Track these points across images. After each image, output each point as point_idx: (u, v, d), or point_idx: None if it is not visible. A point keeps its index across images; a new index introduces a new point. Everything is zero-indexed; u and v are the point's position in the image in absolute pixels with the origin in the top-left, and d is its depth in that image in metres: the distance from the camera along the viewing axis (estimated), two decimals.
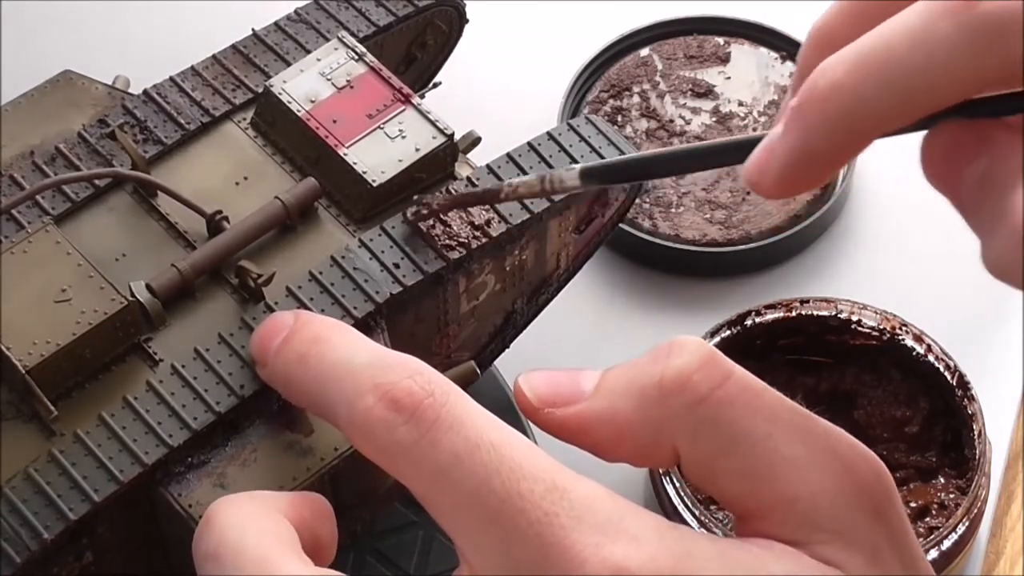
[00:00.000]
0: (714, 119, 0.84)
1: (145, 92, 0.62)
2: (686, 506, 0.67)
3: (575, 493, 0.40)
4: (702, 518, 0.67)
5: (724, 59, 0.87)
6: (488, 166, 0.60)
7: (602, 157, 0.61)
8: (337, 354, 0.46)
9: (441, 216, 0.58)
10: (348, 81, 0.61)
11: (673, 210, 0.81)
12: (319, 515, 0.46)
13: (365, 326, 0.56)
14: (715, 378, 0.41)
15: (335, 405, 0.44)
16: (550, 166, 0.60)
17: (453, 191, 0.58)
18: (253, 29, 0.65)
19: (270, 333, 0.50)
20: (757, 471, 0.41)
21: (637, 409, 0.42)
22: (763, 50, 0.87)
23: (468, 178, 0.60)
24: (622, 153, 0.61)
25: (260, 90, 0.62)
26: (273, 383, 0.51)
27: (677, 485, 0.67)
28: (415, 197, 0.58)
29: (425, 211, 0.57)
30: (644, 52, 0.87)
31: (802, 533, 0.40)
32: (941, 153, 0.40)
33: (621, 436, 0.42)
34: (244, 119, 0.62)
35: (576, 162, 0.61)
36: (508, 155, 0.61)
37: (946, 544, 0.67)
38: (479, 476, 0.40)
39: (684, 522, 0.67)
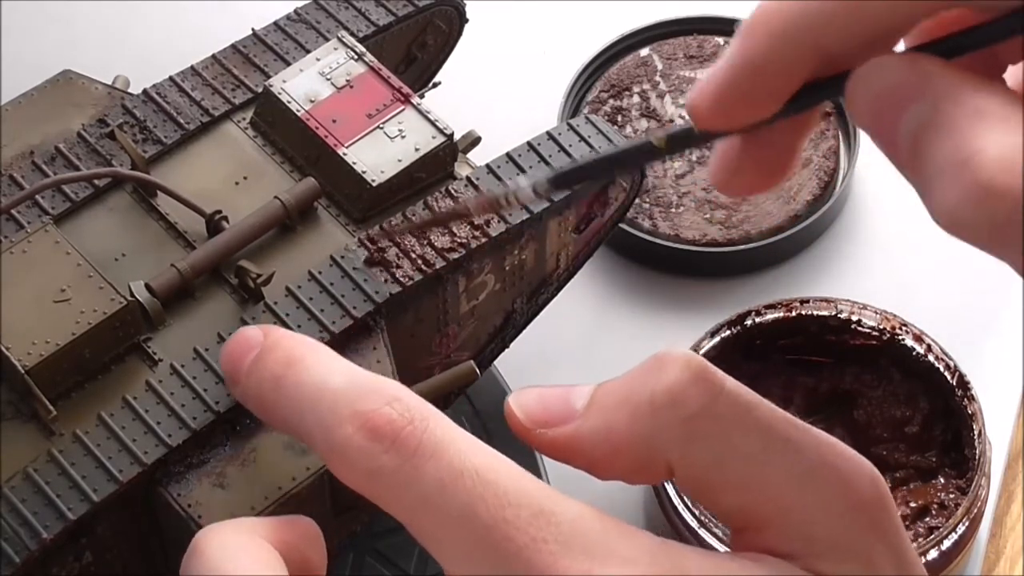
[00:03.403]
0: None
1: (145, 92, 0.62)
2: (686, 506, 0.67)
3: (563, 516, 0.39)
4: (702, 518, 0.67)
5: None
6: (488, 166, 0.60)
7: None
8: (312, 377, 0.45)
9: (398, 239, 0.57)
10: (348, 81, 0.61)
11: (673, 210, 0.81)
12: (306, 538, 0.45)
13: (365, 326, 0.57)
14: (707, 392, 0.41)
15: (312, 431, 0.43)
16: (550, 166, 0.60)
17: (411, 217, 0.57)
18: (253, 29, 0.65)
19: (239, 350, 0.48)
20: (751, 485, 0.40)
21: (630, 427, 0.41)
22: None
23: (468, 178, 0.60)
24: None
25: (260, 90, 0.62)
26: (246, 404, 0.49)
27: (677, 485, 0.67)
28: (379, 227, 0.58)
29: (387, 234, 0.57)
30: (644, 52, 0.87)
31: (797, 546, 0.40)
32: (875, 92, 0.38)
33: (615, 455, 0.42)
34: (244, 119, 0.62)
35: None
36: (508, 155, 0.61)
37: (946, 544, 0.67)
38: (463, 503, 0.39)
39: (684, 521, 0.67)
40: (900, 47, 0.39)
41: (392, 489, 0.41)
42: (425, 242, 0.58)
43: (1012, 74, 0.40)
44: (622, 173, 0.58)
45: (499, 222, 0.59)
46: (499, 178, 0.60)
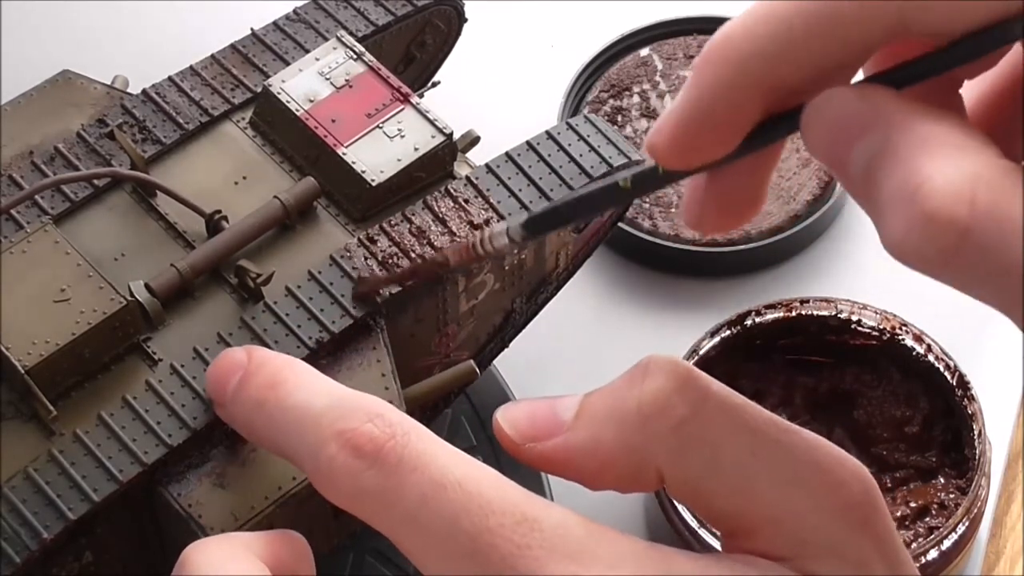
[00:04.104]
0: None
1: (144, 92, 0.62)
2: (685, 505, 0.67)
3: (546, 523, 0.39)
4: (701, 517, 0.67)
5: None
6: (487, 165, 0.60)
7: (601, 157, 0.61)
8: (296, 399, 0.45)
9: (380, 290, 0.57)
10: (347, 80, 0.61)
11: (673, 210, 0.81)
12: (296, 554, 0.45)
13: (365, 326, 0.56)
14: (693, 399, 0.41)
15: (298, 452, 0.44)
16: (549, 166, 0.60)
17: (396, 269, 0.57)
18: (252, 29, 0.64)
19: (224, 373, 0.49)
20: (742, 490, 0.40)
21: (618, 437, 0.41)
22: None
23: (467, 177, 0.60)
24: (621, 152, 0.61)
25: (259, 90, 0.62)
26: (233, 425, 0.50)
27: (668, 492, 0.67)
28: (358, 276, 0.57)
29: (366, 287, 0.57)
30: (644, 52, 0.87)
31: (789, 549, 0.40)
32: (828, 124, 0.37)
33: (605, 466, 0.42)
34: (243, 119, 0.62)
35: (576, 162, 0.61)
36: (507, 154, 0.61)
37: (946, 544, 0.66)
38: (447, 515, 0.40)
39: (683, 521, 0.67)
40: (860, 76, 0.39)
41: (377, 505, 0.41)
42: (425, 242, 0.58)
43: (968, 88, 0.40)
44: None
45: (499, 220, 0.59)
46: (499, 178, 0.60)
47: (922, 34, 0.37)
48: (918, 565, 0.66)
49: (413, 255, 0.58)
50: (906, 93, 0.37)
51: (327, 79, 0.61)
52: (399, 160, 0.59)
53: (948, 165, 0.35)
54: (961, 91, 0.40)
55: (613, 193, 0.43)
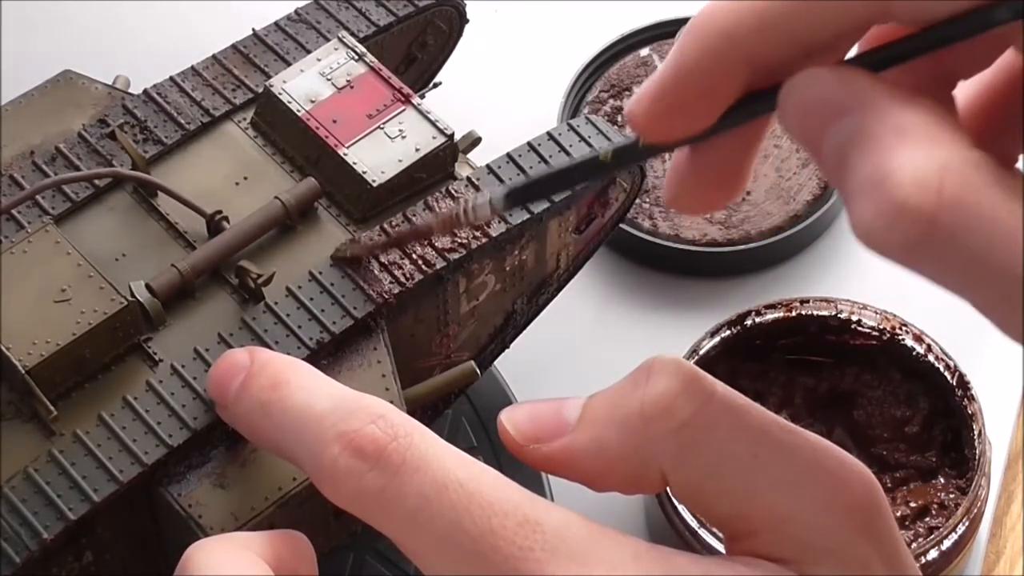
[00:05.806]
0: None
1: (145, 92, 0.62)
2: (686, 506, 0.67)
3: (548, 524, 0.40)
4: (702, 518, 0.67)
5: None
6: (488, 166, 0.60)
7: None
8: (297, 400, 0.45)
9: (373, 257, 0.57)
10: (348, 81, 0.61)
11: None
12: (298, 554, 0.45)
13: (365, 326, 0.57)
14: (697, 400, 0.41)
15: (300, 454, 0.44)
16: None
17: (388, 232, 0.57)
18: (253, 29, 0.65)
19: (227, 374, 0.49)
20: (745, 492, 0.40)
21: (621, 439, 0.41)
22: None
23: (468, 178, 0.60)
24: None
25: (260, 90, 0.62)
26: (235, 427, 0.50)
27: (671, 494, 0.67)
28: (347, 240, 0.57)
29: (352, 253, 0.57)
30: (644, 52, 0.87)
31: (792, 552, 0.40)
32: (804, 104, 0.37)
33: (608, 468, 0.42)
34: (244, 119, 0.62)
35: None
36: (508, 155, 0.61)
37: (946, 544, 0.67)
38: (449, 517, 0.40)
39: (684, 522, 0.67)
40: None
41: (379, 507, 0.41)
42: (426, 242, 0.58)
43: (962, 88, 0.40)
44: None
45: (499, 222, 0.59)
46: (499, 179, 0.60)
47: (904, 19, 0.37)
48: (918, 565, 0.66)
49: (414, 255, 0.58)
50: (885, 77, 0.37)
51: (328, 80, 0.61)
52: (400, 161, 0.59)
53: (918, 154, 0.34)
54: (955, 92, 0.40)
55: (594, 166, 0.43)
